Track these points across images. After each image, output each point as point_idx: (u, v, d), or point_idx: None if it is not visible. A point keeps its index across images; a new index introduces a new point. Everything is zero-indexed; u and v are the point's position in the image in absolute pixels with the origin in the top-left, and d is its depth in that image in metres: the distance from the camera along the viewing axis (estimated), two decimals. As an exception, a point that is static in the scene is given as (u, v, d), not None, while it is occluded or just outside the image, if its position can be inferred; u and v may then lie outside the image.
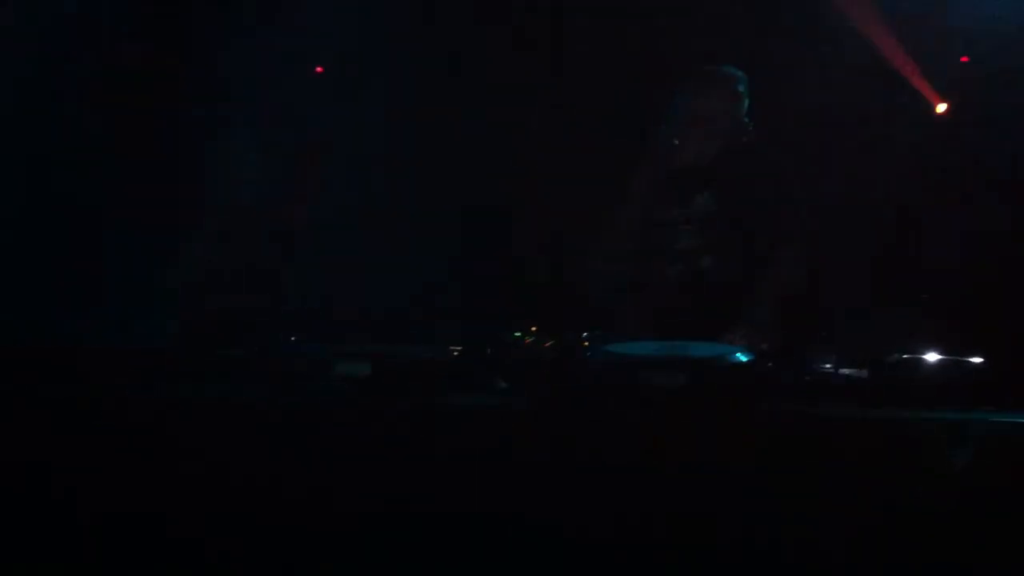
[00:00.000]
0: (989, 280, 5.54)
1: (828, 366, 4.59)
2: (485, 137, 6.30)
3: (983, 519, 3.67)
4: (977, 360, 4.56)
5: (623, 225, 5.41)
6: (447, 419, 4.12)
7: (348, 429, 4.09)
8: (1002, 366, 4.46)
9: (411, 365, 4.50)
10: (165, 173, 6.31)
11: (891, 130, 5.97)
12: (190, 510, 3.89)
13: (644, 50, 6.10)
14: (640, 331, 5.08)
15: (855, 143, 6.00)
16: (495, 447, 3.97)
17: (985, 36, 5.93)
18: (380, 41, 6.49)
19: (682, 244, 5.39)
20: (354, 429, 4.09)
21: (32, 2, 6.33)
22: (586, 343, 5.15)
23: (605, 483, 3.84)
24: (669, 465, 3.84)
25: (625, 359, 4.53)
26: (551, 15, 6.31)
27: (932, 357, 4.58)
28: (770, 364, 4.63)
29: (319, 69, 6.42)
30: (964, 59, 5.88)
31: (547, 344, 5.09)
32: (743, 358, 4.50)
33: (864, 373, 4.54)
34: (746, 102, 5.44)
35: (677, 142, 5.38)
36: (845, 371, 4.59)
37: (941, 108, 5.94)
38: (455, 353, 4.72)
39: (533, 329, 5.19)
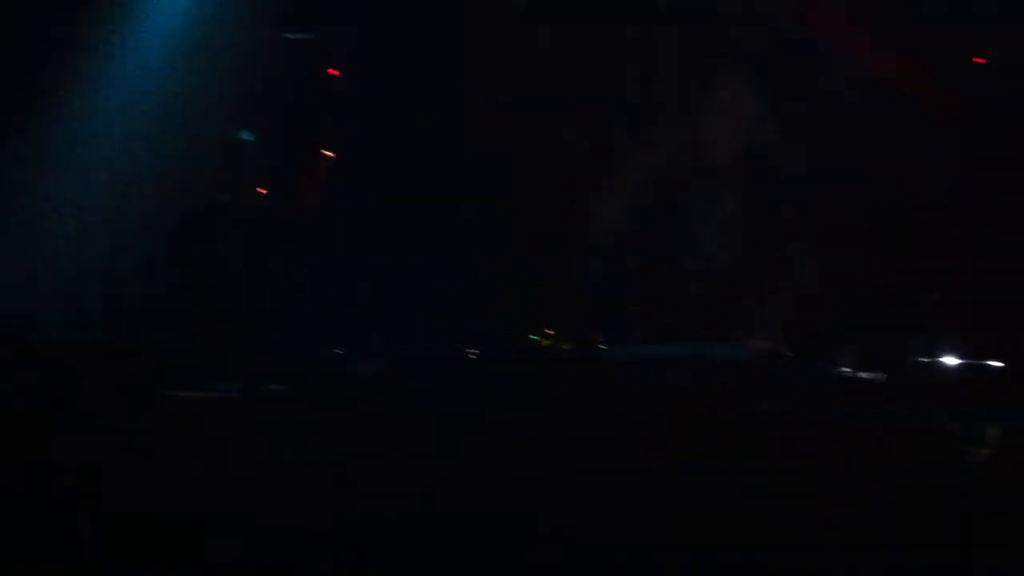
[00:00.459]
0: (1007, 283, 5.49)
1: (847, 369, 4.57)
2: (506, 139, 6.28)
3: (999, 518, 3.62)
4: (995, 364, 4.53)
5: (638, 226, 5.38)
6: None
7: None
8: (1020, 369, 4.43)
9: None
10: None
11: (913, 132, 5.92)
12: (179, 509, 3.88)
13: (664, 49, 6.07)
14: (658, 332, 5.05)
15: (877, 145, 5.95)
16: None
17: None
18: (382, 41, 6.48)
19: (700, 247, 5.37)
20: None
21: None
22: (602, 344, 5.14)
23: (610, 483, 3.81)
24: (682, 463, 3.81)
25: (643, 359, 4.52)
26: (569, 14, 6.29)
27: (950, 360, 4.55)
28: (788, 365, 4.61)
29: (333, 71, 6.40)
30: (978, 60, 5.83)
31: (565, 346, 5.08)
32: (759, 359, 4.48)
33: (883, 376, 4.52)
34: (765, 103, 5.41)
35: (697, 142, 5.35)
36: (864, 374, 4.57)
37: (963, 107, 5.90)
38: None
39: (549, 332, 5.17)
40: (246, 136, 6.10)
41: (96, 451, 3.99)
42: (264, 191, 5.99)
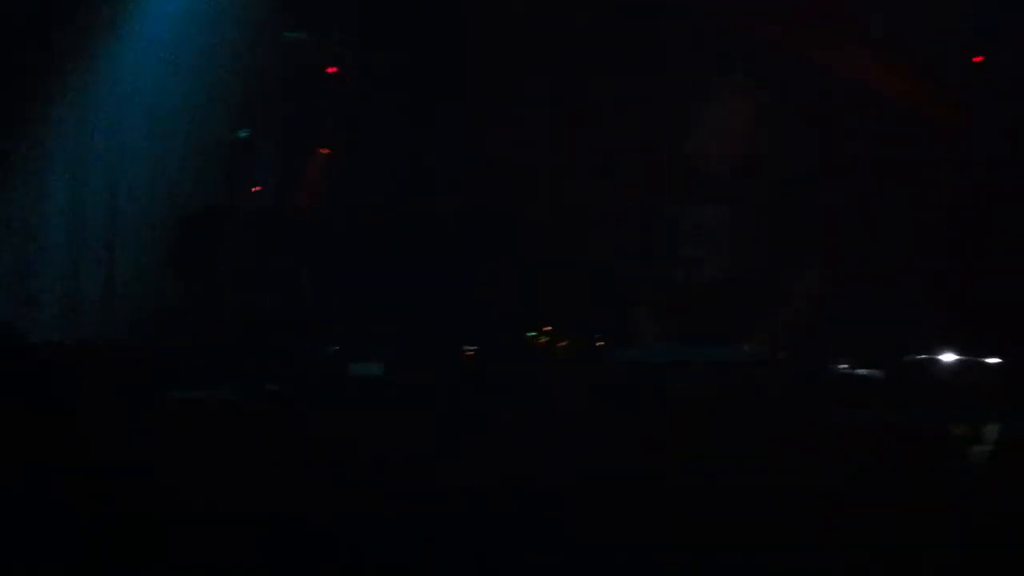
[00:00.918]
0: (1007, 280, 5.51)
1: (844, 366, 4.58)
2: (501, 141, 6.28)
3: (1002, 523, 3.65)
4: (994, 361, 4.54)
5: (637, 228, 5.39)
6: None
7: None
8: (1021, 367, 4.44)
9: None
10: None
11: (910, 130, 5.94)
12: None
13: (662, 54, 6.08)
14: (657, 334, 5.06)
15: (873, 145, 5.97)
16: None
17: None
18: (385, 39, 6.47)
19: (698, 248, 5.37)
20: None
21: None
22: (601, 344, 5.15)
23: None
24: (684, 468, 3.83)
25: (644, 361, 4.53)
26: (569, 17, 6.29)
27: (948, 357, 4.56)
28: (785, 365, 4.62)
29: (331, 69, 6.40)
30: (977, 59, 5.84)
31: (562, 345, 5.09)
32: (757, 359, 4.49)
33: (879, 373, 4.53)
34: (761, 108, 5.41)
35: (693, 147, 5.35)
36: (861, 371, 4.58)
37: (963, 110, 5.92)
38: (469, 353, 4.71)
39: (546, 329, 5.18)
40: (244, 135, 6.09)
41: (95, 451, 4.01)
42: (268, 190, 5.98)
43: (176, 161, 6.20)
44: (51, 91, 6.22)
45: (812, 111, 5.94)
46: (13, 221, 6.01)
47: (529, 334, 5.16)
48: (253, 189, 5.94)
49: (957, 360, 4.54)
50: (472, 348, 4.75)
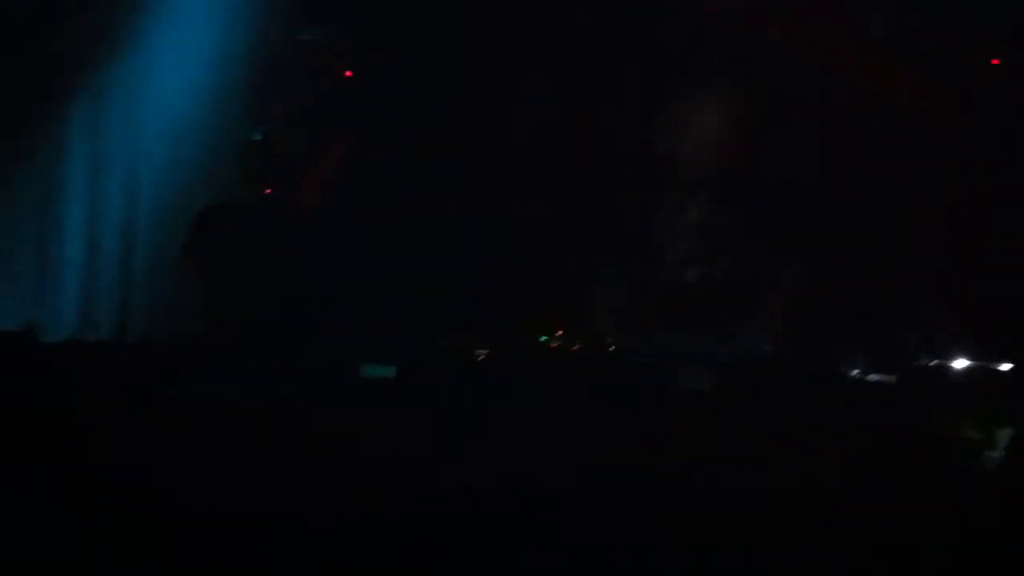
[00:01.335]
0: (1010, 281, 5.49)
1: (856, 371, 4.57)
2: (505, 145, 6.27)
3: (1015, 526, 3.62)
4: (1007, 367, 4.52)
5: (645, 231, 5.38)
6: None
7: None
8: None
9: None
10: None
11: (911, 130, 5.92)
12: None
13: (652, 57, 6.07)
14: (662, 335, 5.05)
15: (883, 146, 5.95)
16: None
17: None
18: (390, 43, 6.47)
19: (706, 249, 5.36)
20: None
21: None
22: (611, 347, 5.14)
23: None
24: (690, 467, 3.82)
25: (653, 361, 4.52)
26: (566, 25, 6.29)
27: (961, 363, 4.54)
28: (796, 368, 4.60)
29: (348, 73, 6.40)
30: (995, 61, 5.82)
31: (573, 348, 5.08)
32: (770, 362, 4.48)
33: (893, 378, 4.51)
34: (753, 109, 5.39)
35: (690, 151, 5.34)
36: (874, 376, 4.56)
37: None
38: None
39: (559, 333, 5.17)
40: (258, 137, 6.10)
41: (93, 452, 4.01)
42: (278, 189, 5.98)
43: (190, 162, 6.20)
44: (67, 92, 6.23)
45: (811, 111, 5.94)
46: (29, 224, 6.02)
47: (540, 338, 5.14)
48: (266, 190, 5.94)
49: (961, 362, 4.53)
50: (482, 351, 4.74)
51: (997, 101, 5.77)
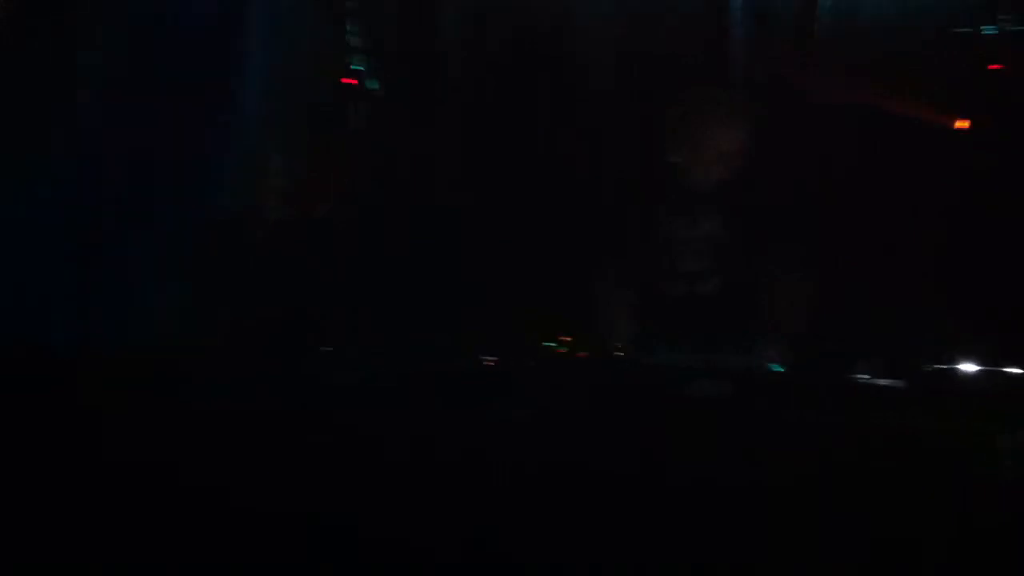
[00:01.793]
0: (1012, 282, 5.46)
1: (865, 376, 4.54)
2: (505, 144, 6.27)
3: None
4: (1018, 371, 4.49)
5: (648, 235, 5.37)
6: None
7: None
8: None
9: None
10: None
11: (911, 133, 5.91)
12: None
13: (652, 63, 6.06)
14: (669, 341, 5.04)
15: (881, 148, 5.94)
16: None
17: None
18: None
19: (710, 254, 5.34)
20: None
21: None
22: (620, 353, 5.13)
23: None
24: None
25: (659, 369, 4.52)
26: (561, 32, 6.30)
27: (971, 367, 4.52)
28: (804, 374, 4.59)
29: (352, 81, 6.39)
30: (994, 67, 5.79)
31: (581, 354, 5.07)
32: (777, 368, 4.46)
33: (902, 383, 4.49)
34: (750, 118, 5.37)
35: (684, 158, 5.33)
36: (882, 381, 4.54)
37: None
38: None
39: (567, 340, 5.16)
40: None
41: (105, 453, 4.03)
42: (289, 193, 5.98)
43: (199, 164, 6.19)
44: (70, 89, 6.21)
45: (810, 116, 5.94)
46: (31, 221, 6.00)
47: (547, 343, 5.13)
48: (272, 193, 5.94)
49: (968, 366, 4.50)
50: (490, 356, 4.74)
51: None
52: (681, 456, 3.97)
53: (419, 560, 3.84)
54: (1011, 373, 4.57)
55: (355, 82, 6.21)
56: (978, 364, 4.53)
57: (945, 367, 4.55)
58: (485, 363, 4.58)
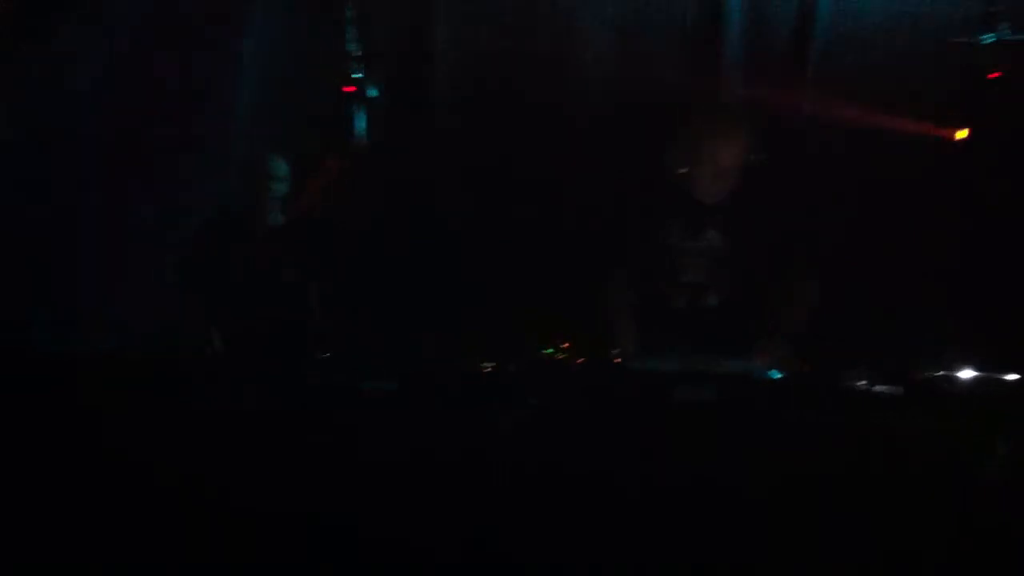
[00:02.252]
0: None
1: (862, 382, 4.54)
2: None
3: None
4: (1014, 377, 4.49)
5: (647, 241, 5.39)
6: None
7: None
8: None
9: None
10: None
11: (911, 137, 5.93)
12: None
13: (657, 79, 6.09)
14: (666, 347, 5.04)
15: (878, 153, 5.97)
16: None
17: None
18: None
19: (707, 261, 5.36)
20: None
21: None
22: (618, 359, 5.13)
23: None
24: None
25: (655, 374, 4.52)
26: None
27: (967, 374, 4.52)
28: (801, 380, 4.60)
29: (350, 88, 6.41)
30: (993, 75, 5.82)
31: (579, 360, 5.07)
32: (774, 374, 4.47)
33: (900, 390, 4.48)
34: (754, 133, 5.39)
35: (687, 170, 5.35)
36: (880, 388, 4.53)
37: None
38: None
39: (565, 346, 5.16)
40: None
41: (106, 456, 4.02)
42: (283, 198, 5.98)
43: (197, 166, 6.20)
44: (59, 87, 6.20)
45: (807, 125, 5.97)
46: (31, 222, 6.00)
47: (545, 349, 5.13)
48: (270, 196, 5.94)
49: (969, 371, 4.50)
50: (488, 362, 4.74)
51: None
52: (677, 459, 3.97)
53: (419, 560, 3.84)
54: (1008, 377, 4.58)
55: (354, 88, 6.23)
56: (976, 368, 4.53)
57: (943, 372, 4.55)
58: (485, 366, 4.57)
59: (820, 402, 4.26)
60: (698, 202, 5.32)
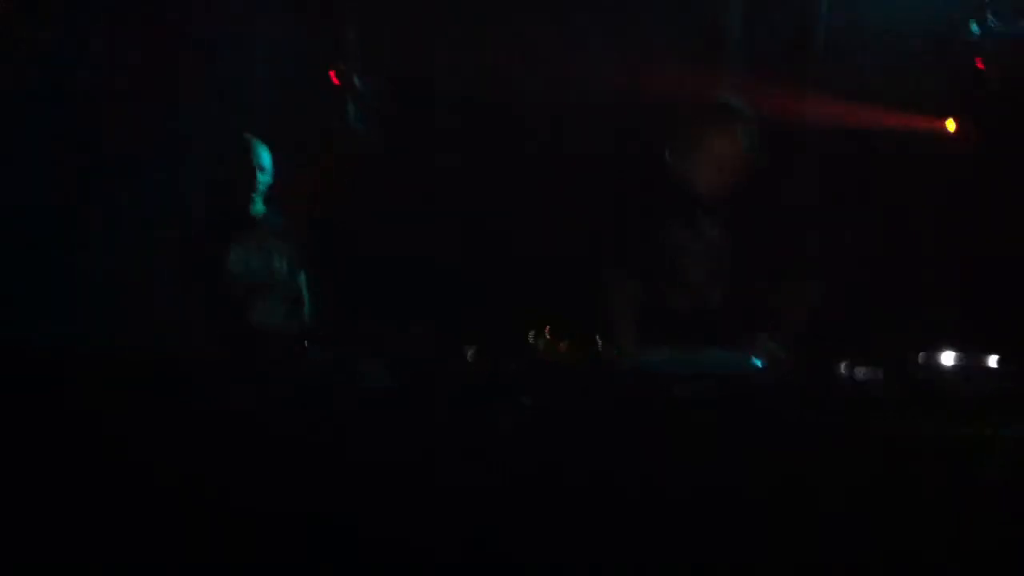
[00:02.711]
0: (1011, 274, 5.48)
1: (843, 369, 4.54)
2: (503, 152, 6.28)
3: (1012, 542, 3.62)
4: (995, 362, 4.49)
5: (645, 239, 5.38)
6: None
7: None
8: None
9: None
10: None
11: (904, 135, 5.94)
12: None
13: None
14: (661, 343, 5.04)
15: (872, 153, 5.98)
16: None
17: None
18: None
19: (701, 258, 5.36)
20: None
21: None
22: (612, 357, 5.13)
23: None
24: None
25: (651, 371, 4.53)
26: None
27: (949, 358, 4.51)
28: (801, 380, 4.60)
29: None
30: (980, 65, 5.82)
31: (565, 350, 5.06)
32: (764, 367, 4.48)
33: (879, 374, 4.48)
34: (754, 133, 5.39)
35: (688, 170, 5.34)
36: (880, 387, 4.53)
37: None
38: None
39: (565, 346, 5.16)
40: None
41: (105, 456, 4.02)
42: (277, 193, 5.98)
43: (187, 165, 6.20)
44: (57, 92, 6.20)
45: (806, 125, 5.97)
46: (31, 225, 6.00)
47: (540, 347, 5.12)
48: (269, 195, 5.94)
49: (966, 365, 4.49)
50: (479, 353, 4.74)
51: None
52: (677, 458, 3.97)
53: (419, 560, 3.84)
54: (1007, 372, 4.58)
55: (355, 85, 6.23)
56: (976, 368, 4.53)
57: (943, 371, 4.56)
58: (484, 365, 4.58)
59: (820, 402, 4.26)
60: (698, 202, 5.32)
